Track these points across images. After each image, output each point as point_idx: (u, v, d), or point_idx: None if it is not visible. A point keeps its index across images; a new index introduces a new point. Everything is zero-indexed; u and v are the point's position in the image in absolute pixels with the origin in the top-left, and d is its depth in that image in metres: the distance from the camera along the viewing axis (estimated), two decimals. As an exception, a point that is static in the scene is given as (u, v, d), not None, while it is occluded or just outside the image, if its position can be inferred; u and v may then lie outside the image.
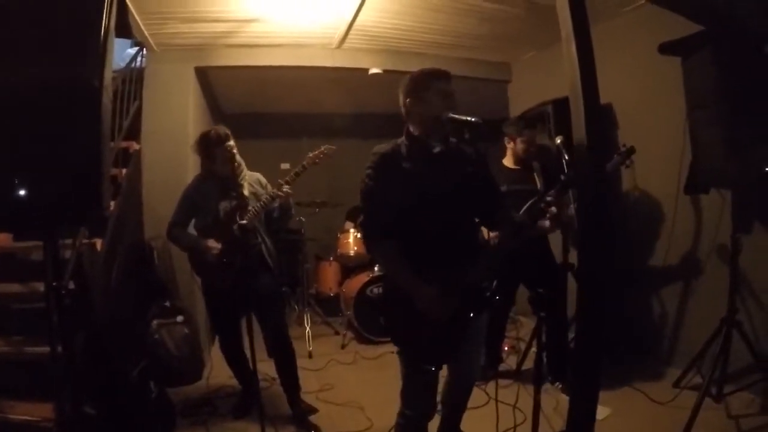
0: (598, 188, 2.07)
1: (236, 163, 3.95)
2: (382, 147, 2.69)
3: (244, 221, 3.63)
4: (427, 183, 2.57)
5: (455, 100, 2.60)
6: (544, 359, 4.57)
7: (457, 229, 2.62)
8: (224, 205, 4.04)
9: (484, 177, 2.78)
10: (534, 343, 4.90)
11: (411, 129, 2.69)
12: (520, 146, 4.52)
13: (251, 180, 4.20)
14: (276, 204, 4.07)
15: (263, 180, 4.32)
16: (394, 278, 2.70)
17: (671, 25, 3.62)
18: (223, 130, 4.02)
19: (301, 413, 4.12)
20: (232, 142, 3.98)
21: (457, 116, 2.49)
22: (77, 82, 2.10)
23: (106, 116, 2.28)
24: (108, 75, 2.30)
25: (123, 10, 2.66)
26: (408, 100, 2.67)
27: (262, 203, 4.00)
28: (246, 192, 4.02)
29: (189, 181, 4.32)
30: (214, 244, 3.96)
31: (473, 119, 2.43)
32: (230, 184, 3.95)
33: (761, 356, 3.77)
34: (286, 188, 3.98)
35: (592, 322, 2.08)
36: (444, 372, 2.90)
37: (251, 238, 4.01)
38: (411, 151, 2.65)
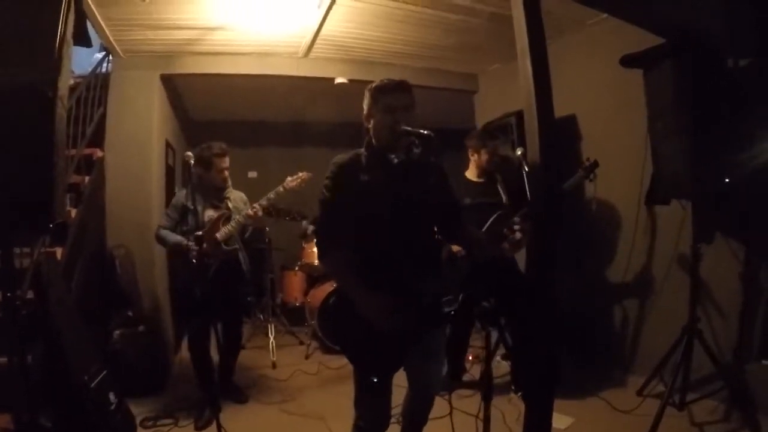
0: (550, 198, 2.09)
1: (226, 177, 4.47)
2: (342, 157, 2.67)
3: (200, 233, 3.96)
4: (385, 195, 2.55)
5: (411, 111, 2.57)
6: (508, 368, 4.60)
7: (415, 242, 2.59)
8: (209, 214, 4.40)
9: (445, 189, 2.79)
10: (499, 353, 4.93)
11: (372, 140, 2.68)
12: (484, 158, 4.50)
13: (236, 196, 4.61)
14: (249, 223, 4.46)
15: (245, 198, 4.69)
16: (344, 288, 2.69)
17: (635, 39, 3.68)
18: (224, 146, 4.46)
19: (236, 389, 4.74)
20: (228, 158, 4.47)
21: (410, 129, 2.48)
22: (30, 91, 2.07)
23: (61, 125, 2.26)
24: (64, 84, 2.28)
25: (81, 18, 2.62)
26: (365, 114, 2.67)
27: (236, 222, 4.35)
28: (230, 206, 4.48)
29: (153, 190, 4.50)
30: (193, 246, 4.14)
31: (425, 132, 2.42)
32: (218, 195, 4.48)
33: (723, 364, 3.83)
34: (252, 210, 4.32)
35: (545, 333, 2.10)
36: (403, 382, 2.90)
37: (229, 244, 4.42)
38: (370, 161, 2.63)
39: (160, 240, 4.44)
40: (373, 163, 2.63)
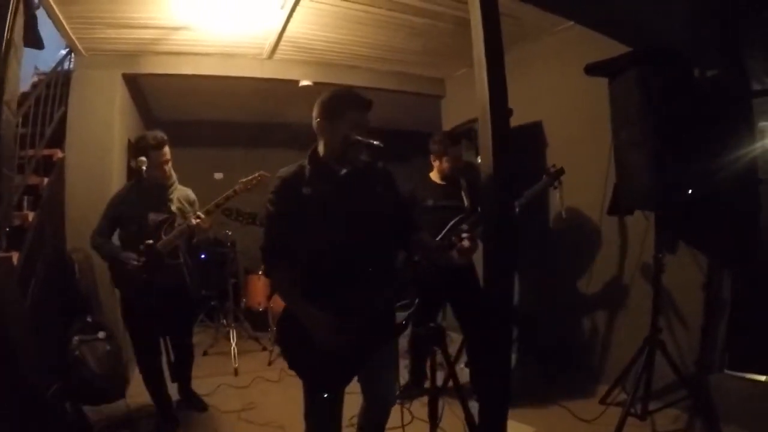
0: (503, 212, 2.08)
1: (168, 172, 4.04)
2: (287, 170, 2.62)
3: (150, 241, 3.68)
4: (329, 208, 2.52)
5: (366, 128, 2.54)
6: (467, 377, 4.58)
7: (365, 254, 2.55)
8: (153, 218, 3.98)
9: (393, 195, 2.77)
10: (462, 360, 4.90)
11: (318, 149, 2.64)
12: (445, 165, 4.43)
13: (181, 195, 4.20)
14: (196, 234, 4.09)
15: (192, 196, 4.30)
16: (289, 305, 2.65)
17: (605, 46, 3.67)
18: (161, 135, 4.01)
19: (195, 397, 4.60)
20: (167, 149, 4.01)
21: (361, 138, 2.47)
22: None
23: (8, 132, 2.19)
24: (12, 89, 2.22)
25: (32, 20, 2.54)
26: (319, 120, 2.60)
27: (179, 230, 3.98)
28: (174, 207, 4.06)
29: (114, 191, 4.30)
30: (133, 258, 3.84)
31: (376, 143, 2.42)
32: (161, 195, 4.03)
33: (686, 374, 3.85)
34: (197, 220, 3.93)
35: (498, 348, 2.09)
36: (357, 389, 2.86)
37: (173, 256, 4.06)
38: (313, 175, 2.59)
39: (96, 249, 4.06)
40: (316, 175, 2.59)
